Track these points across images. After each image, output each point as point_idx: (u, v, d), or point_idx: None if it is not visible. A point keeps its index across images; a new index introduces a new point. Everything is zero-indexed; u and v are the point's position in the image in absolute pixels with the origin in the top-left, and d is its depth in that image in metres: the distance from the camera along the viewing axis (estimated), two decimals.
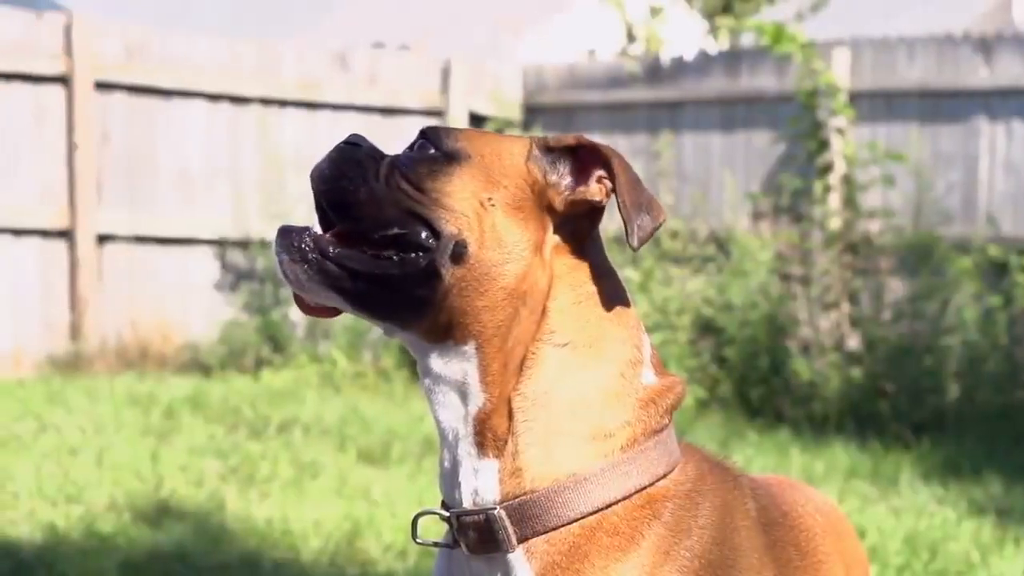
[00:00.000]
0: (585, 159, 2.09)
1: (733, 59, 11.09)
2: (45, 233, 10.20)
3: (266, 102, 11.03)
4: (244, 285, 10.93)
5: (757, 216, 10.30)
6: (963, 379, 8.76)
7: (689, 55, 11.42)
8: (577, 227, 2.09)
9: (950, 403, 8.66)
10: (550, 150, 2.10)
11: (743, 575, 2.08)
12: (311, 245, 2.03)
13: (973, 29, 10.92)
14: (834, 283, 9.38)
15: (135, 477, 6.40)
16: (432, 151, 2.06)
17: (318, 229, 2.09)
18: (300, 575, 5.04)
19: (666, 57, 11.65)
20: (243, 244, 10.87)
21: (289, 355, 10.43)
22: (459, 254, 1.99)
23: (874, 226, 9.55)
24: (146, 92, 10.54)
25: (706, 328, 9.55)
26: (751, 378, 9.18)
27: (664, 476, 2.05)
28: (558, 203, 2.07)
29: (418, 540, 2.17)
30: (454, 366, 2.04)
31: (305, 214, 10.12)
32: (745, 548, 2.10)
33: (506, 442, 2.03)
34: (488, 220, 2.01)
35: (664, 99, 11.21)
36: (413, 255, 2.00)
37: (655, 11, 14.90)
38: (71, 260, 10.27)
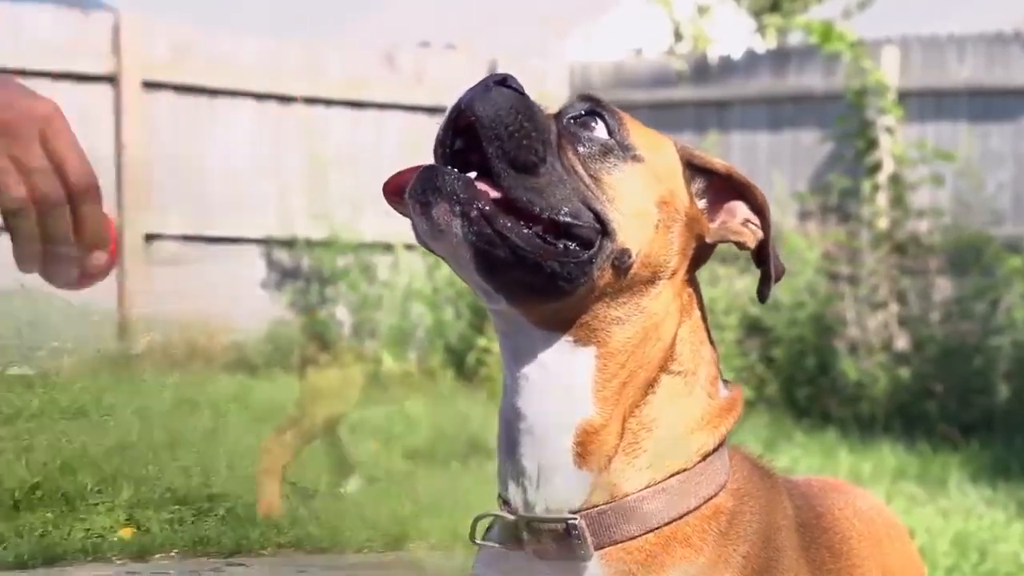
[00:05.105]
0: (725, 191, 2.03)
1: (781, 58, 11.04)
2: None
3: (312, 101, 11.05)
4: (290, 284, 10.95)
5: (805, 215, 10.25)
6: (1012, 380, 8.70)
7: (736, 54, 11.38)
8: (702, 255, 2.03)
9: (999, 404, 8.61)
10: (691, 166, 2.03)
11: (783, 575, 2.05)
12: (477, 206, 1.81)
13: None
14: (882, 283, 9.33)
15: (181, 474, 6.40)
16: (607, 137, 1.93)
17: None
18: (345, 575, 5.03)
19: (713, 56, 11.61)
20: (289, 243, 10.89)
21: (335, 354, 10.43)
22: (620, 263, 1.88)
23: (923, 225, 9.49)
24: (193, 92, 10.56)
25: (753, 328, 9.51)
26: (798, 378, 9.15)
27: (723, 485, 2.01)
28: (708, 236, 2.02)
29: (476, 541, 2.07)
30: (565, 360, 1.91)
31: (349, 214, 10.13)
32: (785, 548, 2.07)
33: (610, 459, 1.93)
34: (648, 235, 1.92)
35: (711, 98, 11.17)
36: (575, 247, 1.84)
37: (702, 9, 14.84)
38: (119, 258, 10.30)
